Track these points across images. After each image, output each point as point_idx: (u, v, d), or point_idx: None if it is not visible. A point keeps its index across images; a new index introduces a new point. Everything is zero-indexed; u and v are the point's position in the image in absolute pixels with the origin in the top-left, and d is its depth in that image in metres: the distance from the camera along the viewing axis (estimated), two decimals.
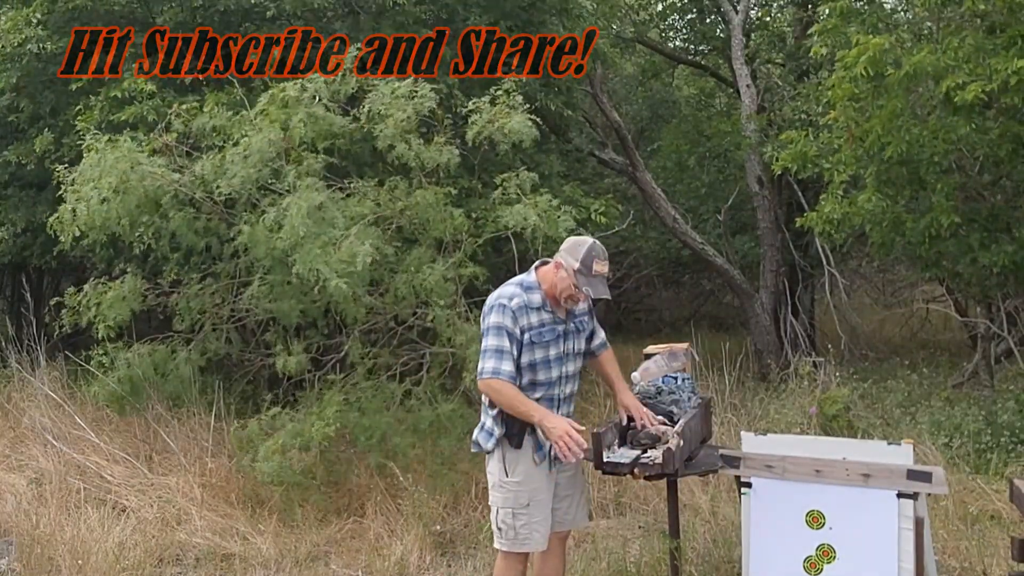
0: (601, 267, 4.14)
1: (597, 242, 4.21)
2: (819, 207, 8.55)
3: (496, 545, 4.29)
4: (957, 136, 7.46)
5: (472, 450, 4.38)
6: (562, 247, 4.21)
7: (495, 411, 4.18)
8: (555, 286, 4.18)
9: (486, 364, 4.08)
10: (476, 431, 4.32)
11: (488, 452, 4.24)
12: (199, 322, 7.18)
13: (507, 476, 4.19)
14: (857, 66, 7.30)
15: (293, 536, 6.11)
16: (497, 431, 4.18)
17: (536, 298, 4.18)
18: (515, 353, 4.10)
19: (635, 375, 4.67)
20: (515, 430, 4.15)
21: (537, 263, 4.34)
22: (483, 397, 4.27)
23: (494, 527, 4.27)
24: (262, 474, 6.22)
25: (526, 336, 4.12)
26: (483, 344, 4.13)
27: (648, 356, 4.86)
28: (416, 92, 6.75)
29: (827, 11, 8.23)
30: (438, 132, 6.90)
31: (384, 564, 5.62)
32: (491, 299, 4.19)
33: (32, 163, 9.20)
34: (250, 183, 6.52)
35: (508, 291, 4.17)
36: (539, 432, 4.13)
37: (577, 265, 4.09)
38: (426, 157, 6.71)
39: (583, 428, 4.04)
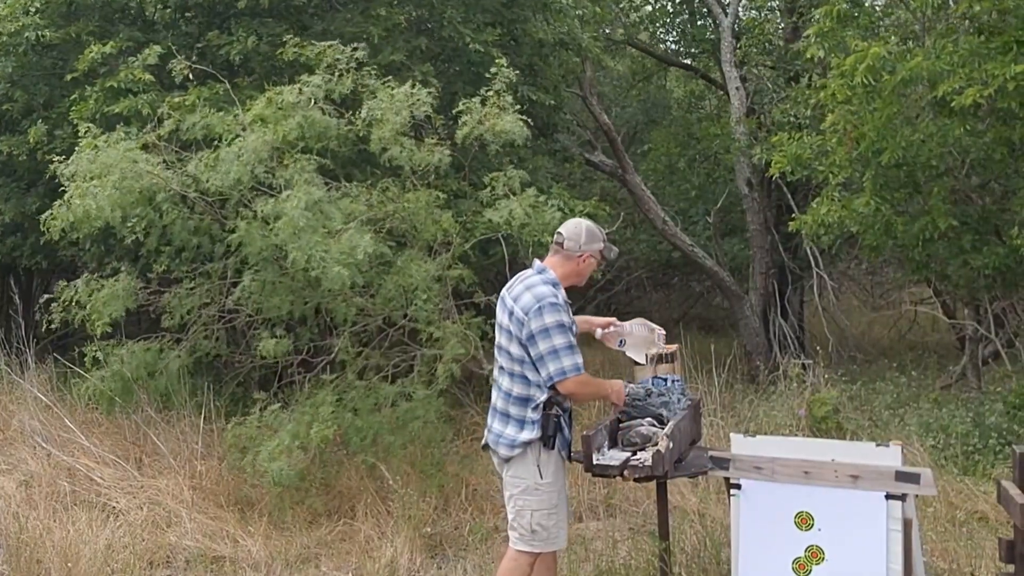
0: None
1: (584, 219, 4.50)
2: (811, 209, 8.58)
3: (526, 548, 4.27)
4: (952, 139, 7.49)
5: (509, 452, 4.27)
6: (579, 241, 4.32)
7: (538, 415, 4.19)
8: (581, 275, 4.40)
9: (566, 362, 4.11)
10: (494, 439, 4.32)
11: (518, 454, 4.23)
12: (189, 321, 7.16)
13: (542, 478, 4.22)
14: (856, 74, 7.31)
15: (283, 538, 6.10)
16: (533, 434, 4.19)
17: (563, 293, 4.30)
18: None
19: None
20: (550, 431, 4.20)
21: (541, 263, 4.39)
22: (503, 404, 4.29)
23: (526, 531, 4.25)
24: (272, 475, 6.15)
25: (572, 329, 4.26)
26: (551, 343, 4.11)
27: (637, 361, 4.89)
28: (414, 98, 6.73)
29: (820, 15, 8.23)
30: (428, 134, 6.90)
31: (374, 566, 5.61)
32: (533, 301, 4.15)
33: (24, 154, 9.17)
34: (243, 181, 6.51)
35: (549, 290, 4.19)
36: (566, 430, 4.28)
37: (603, 245, 4.38)
38: (418, 159, 6.71)
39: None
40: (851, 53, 7.50)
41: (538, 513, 4.23)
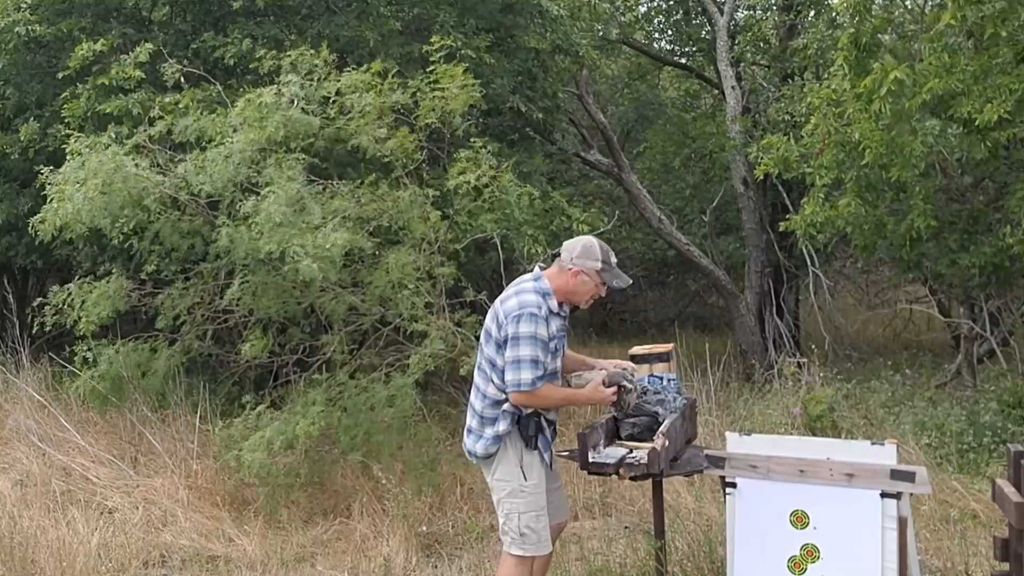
0: (614, 257, 4.33)
1: (594, 238, 4.34)
2: (801, 210, 8.58)
3: (518, 552, 4.22)
4: (932, 140, 7.44)
5: (473, 460, 4.36)
6: (572, 254, 4.23)
7: (509, 419, 4.18)
8: (575, 292, 4.25)
9: (524, 376, 4.06)
10: (472, 441, 4.29)
11: (490, 457, 4.24)
12: (182, 321, 7.16)
13: (526, 480, 4.20)
14: (876, 100, 7.08)
15: (279, 537, 6.10)
16: (507, 425, 4.18)
17: (554, 304, 4.22)
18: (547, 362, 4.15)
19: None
20: (531, 432, 4.19)
21: (538, 267, 4.34)
22: (480, 405, 4.27)
23: (515, 534, 4.21)
24: (248, 466, 6.14)
25: (551, 344, 4.17)
26: (516, 353, 4.08)
27: (634, 357, 4.89)
28: (378, 83, 6.73)
29: (844, 42, 7.98)
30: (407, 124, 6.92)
31: (370, 565, 5.61)
32: (515, 307, 4.13)
33: (16, 153, 9.14)
34: (232, 184, 6.50)
35: (533, 299, 4.13)
36: (547, 430, 4.25)
37: (599, 265, 4.23)
38: (388, 146, 6.71)
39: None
40: (869, 75, 7.32)
41: (525, 516, 4.20)
